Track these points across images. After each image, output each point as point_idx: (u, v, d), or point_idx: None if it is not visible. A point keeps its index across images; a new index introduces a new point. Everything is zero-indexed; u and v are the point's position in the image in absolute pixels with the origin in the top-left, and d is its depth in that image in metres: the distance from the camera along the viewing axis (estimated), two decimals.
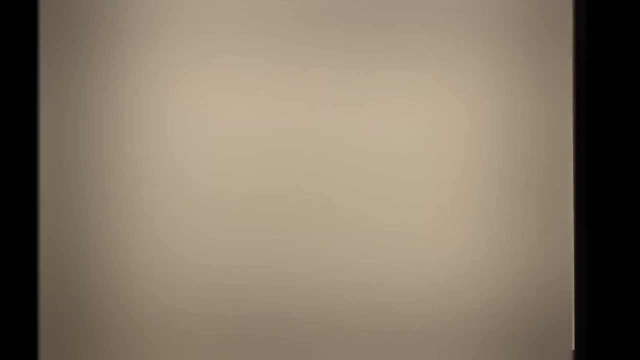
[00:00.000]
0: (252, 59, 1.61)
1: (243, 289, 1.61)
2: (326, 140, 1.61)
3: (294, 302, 1.61)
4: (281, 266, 1.61)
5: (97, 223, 1.60)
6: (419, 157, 1.61)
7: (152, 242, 1.60)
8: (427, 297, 1.61)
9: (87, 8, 1.60)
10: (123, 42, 1.61)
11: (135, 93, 1.61)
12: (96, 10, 1.60)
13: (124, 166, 1.60)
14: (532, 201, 1.62)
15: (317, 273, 1.61)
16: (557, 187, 1.62)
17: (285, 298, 1.61)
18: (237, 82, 1.61)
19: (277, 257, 1.61)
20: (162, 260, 1.60)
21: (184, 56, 1.61)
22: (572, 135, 1.63)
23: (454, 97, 1.61)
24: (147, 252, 1.60)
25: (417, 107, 1.61)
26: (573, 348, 1.62)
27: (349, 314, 1.61)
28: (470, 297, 1.61)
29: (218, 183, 1.60)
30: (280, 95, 1.61)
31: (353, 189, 1.61)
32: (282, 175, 1.61)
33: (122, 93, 1.61)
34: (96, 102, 1.60)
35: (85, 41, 1.60)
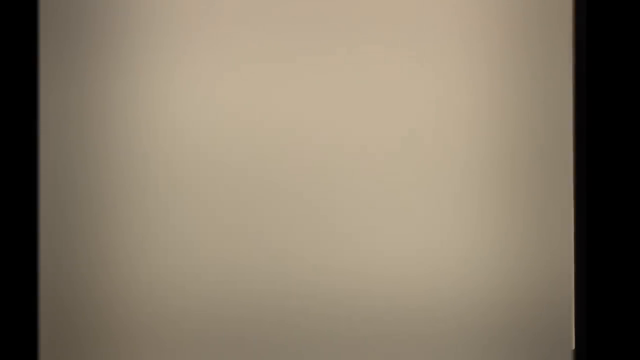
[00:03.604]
0: (252, 58, 1.61)
1: (244, 289, 1.61)
2: (325, 140, 1.61)
3: (293, 301, 1.61)
4: (280, 265, 1.61)
5: (97, 223, 1.60)
6: (417, 157, 1.61)
7: (153, 241, 1.60)
8: (426, 297, 1.61)
9: (87, 8, 1.60)
10: (123, 41, 1.61)
11: (136, 92, 1.61)
12: (96, 10, 1.60)
13: (124, 166, 1.60)
14: (532, 201, 1.62)
15: (316, 272, 1.61)
16: (557, 187, 1.62)
17: (283, 298, 1.61)
18: (237, 81, 1.61)
19: (276, 257, 1.61)
20: (163, 260, 1.60)
21: (183, 55, 1.61)
22: (572, 135, 1.63)
23: (452, 97, 1.61)
24: (147, 252, 1.60)
25: (416, 107, 1.61)
26: (573, 348, 1.62)
27: (348, 313, 1.61)
28: (470, 297, 1.61)
29: (219, 181, 1.60)
30: (280, 94, 1.61)
31: (352, 190, 1.61)
32: (282, 175, 1.61)
33: (123, 92, 1.61)
34: (96, 101, 1.60)
35: (85, 41, 1.60)
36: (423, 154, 1.61)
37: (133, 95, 1.61)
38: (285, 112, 1.61)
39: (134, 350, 1.60)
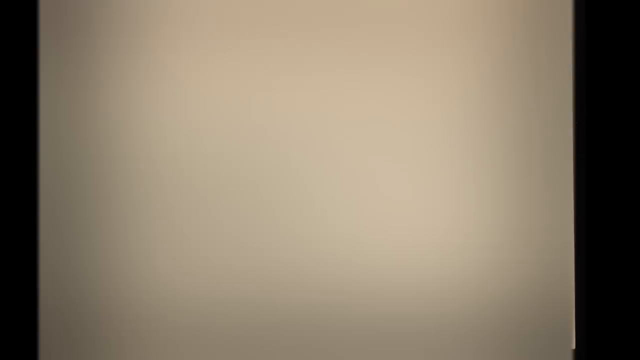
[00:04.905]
0: (251, 59, 1.61)
1: (245, 291, 1.61)
2: (324, 139, 1.61)
3: (291, 301, 1.61)
4: (279, 265, 1.61)
5: (97, 223, 1.60)
6: (416, 157, 1.61)
7: (152, 241, 1.60)
8: (426, 297, 1.61)
9: (87, 8, 1.60)
10: (123, 41, 1.61)
11: (136, 92, 1.61)
12: (96, 10, 1.61)
13: (124, 165, 1.60)
14: (532, 201, 1.62)
15: (315, 270, 1.61)
16: (557, 187, 1.62)
17: (282, 297, 1.61)
18: (236, 80, 1.61)
19: (276, 256, 1.61)
20: (162, 259, 1.60)
21: (183, 55, 1.61)
22: (572, 135, 1.63)
23: (452, 96, 1.61)
24: (146, 252, 1.60)
25: (416, 106, 1.61)
26: (573, 348, 1.62)
27: (347, 313, 1.61)
28: (471, 297, 1.61)
29: (218, 180, 1.60)
30: (281, 95, 1.61)
31: (353, 188, 1.61)
32: (282, 172, 1.61)
33: (122, 92, 1.61)
34: (96, 101, 1.61)
35: (85, 41, 1.60)
36: (421, 153, 1.61)
37: (133, 95, 1.61)
38: (287, 113, 1.61)
39: (134, 351, 1.60)
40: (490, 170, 1.62)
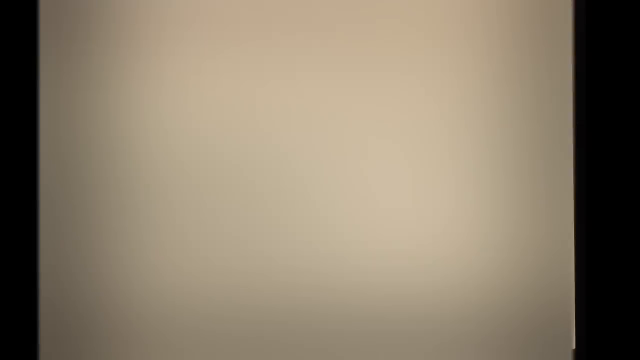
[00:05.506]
0: (250, 59, 1.61)
1: (244, 289, 1.61)
2: (324, 139, 1.61)
3: (291, 302, 1.61)
4: (279, 265, 1.61)
5: (97, 223, 1.60)
6: (416, 157, 1.61)
7: (152, 241, 1.60)
8: (427, 297, 1.61)
9: (87, 8, 1.61)
10: (123, 41, 1.61)
11: (136, 92, 1.61)
12: (96, 10, 1.61)
13: (124, 166, 1.60)
14: (533, 201, 1.62)
15: (315, 270, 1.61)
16: (557, 187, 1.62)
17: (282, 298, 1.61)
18: (236, 81, 1.61)
19: (275, 255, 1.61)
20: (162, 259, 1.60)
21: (183, 55, 1.61)
22: (572, 135, 1.63)
23: (453, 97, 1.61)
24: (146, 252, 1.60)
25: (416, 107, 1.61)
26: (573, 348, 1.62)
27: (347, 313, 1.61)
28: (471, 296, 1.61)
29: (218, 181, 1.60)
30: (280, 94, 1.61)
31: (353, 188, 1.61)
32: (281, 173, 1.61)
33: (122, 92, 1.61)
34: (96, 101, 1.61)
35: (85, 41, 1.61)
36: (421, 154, 1.61)
37: (133, 95, 1.61)
38: (286, 113, 1.61)
39: (134, 351, 1.60)
40: (490, 171, 1.62)
